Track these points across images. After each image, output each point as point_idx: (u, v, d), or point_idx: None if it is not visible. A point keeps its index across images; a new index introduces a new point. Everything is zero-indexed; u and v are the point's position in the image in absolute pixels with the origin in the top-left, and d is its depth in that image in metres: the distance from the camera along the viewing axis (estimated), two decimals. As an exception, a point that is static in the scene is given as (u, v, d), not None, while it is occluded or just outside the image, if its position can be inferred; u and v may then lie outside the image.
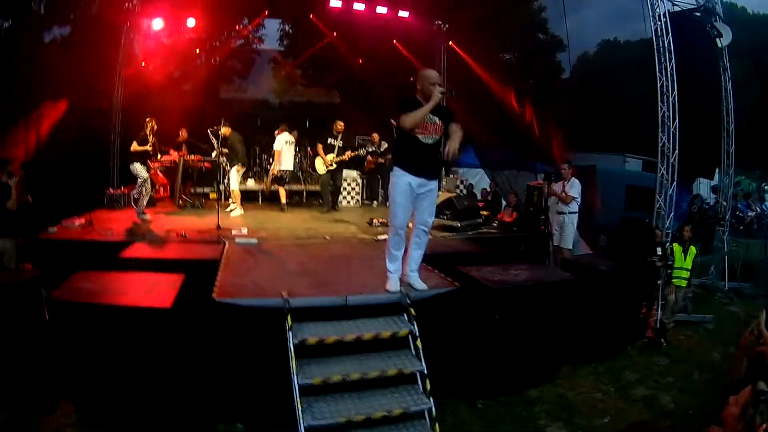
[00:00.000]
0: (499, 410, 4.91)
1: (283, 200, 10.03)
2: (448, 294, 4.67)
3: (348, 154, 9.66)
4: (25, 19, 9.88)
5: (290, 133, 10.06)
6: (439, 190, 8.98)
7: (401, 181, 4.50)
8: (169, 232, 7.14)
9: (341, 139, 9.66)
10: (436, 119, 4.50)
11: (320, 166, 9.77)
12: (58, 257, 6.32)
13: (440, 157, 4.65)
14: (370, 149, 10.89)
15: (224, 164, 8.94)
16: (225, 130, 8.69)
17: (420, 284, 4.66)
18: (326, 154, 9.59)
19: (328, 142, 9.66)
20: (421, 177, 4.50)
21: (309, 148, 11.85)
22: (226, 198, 9.30)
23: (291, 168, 10.17)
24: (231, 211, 8.96)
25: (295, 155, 10.73)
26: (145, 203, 8.50)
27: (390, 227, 4.72)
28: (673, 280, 7.21)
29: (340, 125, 9.68)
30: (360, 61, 12.77)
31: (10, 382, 4.37)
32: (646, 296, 6.87)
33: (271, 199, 10.73)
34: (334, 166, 9.67)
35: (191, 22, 11.53)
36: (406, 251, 4.74)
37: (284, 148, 9.86)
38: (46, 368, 4.44)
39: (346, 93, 13.43)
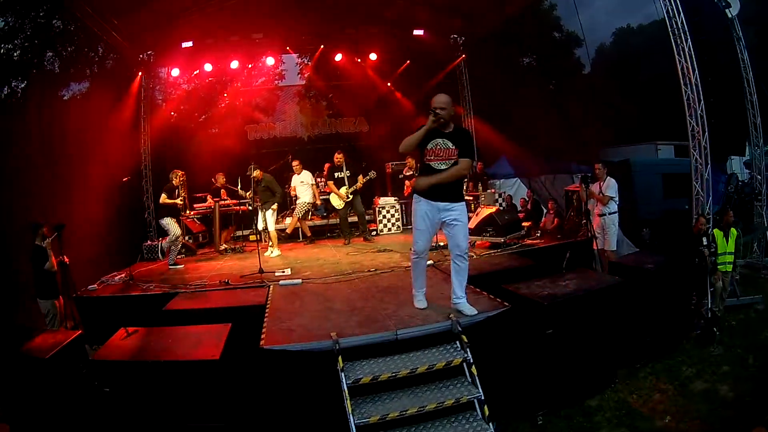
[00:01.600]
0: (560, 424, 4.82)
1: (308, 233, 10.31)
2: (499, 315, 4.56)
3: (360, 180, 9.55)
4: (40, 78, 10.09)
5: (304, 171, 10.04)
6: (471, 211, 8.98)
7: (419, 207, 4.58)
8: (212, 279, 7.12)
9: (347, 169, 9.59)
10: (450, 144, 4.48)
11: (337, 202, 9.74)
12: (101, 314, 6.43)
13: (458, 183, 4.68)
14: (407, 173, 10.78)
15: (258, 206, 8.90)
16: (256, 173, 8.66)
17: (470, 309, 4.59)
18: (339, 188, 9.55)
19: (336, 176, 9.63)
20: (439, 201, 4.52)
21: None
22: (264, 240, 9.27)
23: (308, 200, 10.07)
24: (270, 253, 8.88)
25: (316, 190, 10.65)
26: (176, 254, 8.54)
27: (412, 252, 4.78)
28: (719, 267, 7.01)
29: (338, 157, 9.61)
30: (389, 84, 12.76)
31: None
32: (695, 287, 6.67)
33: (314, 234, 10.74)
34: (350, 197, 9.63)
35: (208, 67, 11.67)
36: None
37: (298, 187, 9.95)
38: (95, 424, 4.38)
39: (374, 120, 13.36)
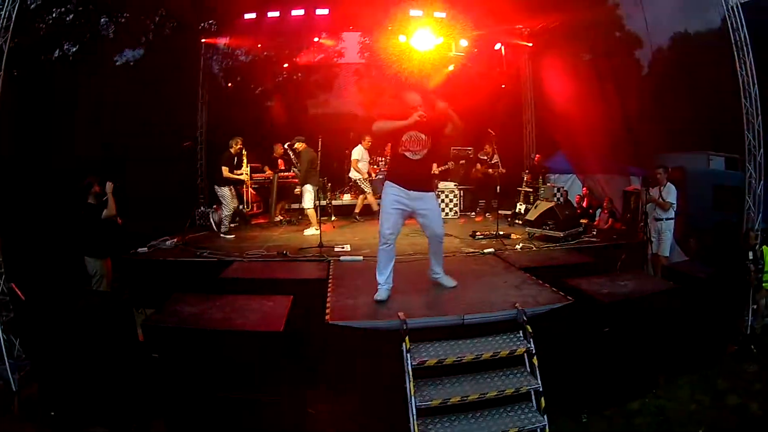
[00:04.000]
0: (602, 425, 4.83)
1: (356, 209, 10.17)
2: (560, 309, 4.57)
3: (435, 169, 9.47)
4: (93, 43, 10.14)
5: (364, 146, 10.03)
6: (530, 203, 8.90)
7: (390, 191, 4.69)
8: (268, 250, 7.14)
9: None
10: (422, 135, 4.63)
11: None
12: (150, 278, 6.47)
13: (429, 171, 4.92)
14: (481, 157, 10.79)
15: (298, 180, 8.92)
16: (298, 145, 8.71)
17: (449, 282, 4.98)
18: None
19: None
20: (412, 190, 4.64)
21: None
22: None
23: (359, 176, 10.04)
24: (308, 230, 8.73)
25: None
26: (228, 224, 8.55)
27: (380, 237, 4.78)
28: (764, 284, 6.93)
29: None
30: (451, 67, 12.54)
31: (104, 402, 4.48)
32: (738, 302, 6.63)
33: (368, 214, 10.47)
34: None
35: (268, 40, 11.66)
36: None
37: (362, 163, 9.96)
38: (139, 389, 4.53)
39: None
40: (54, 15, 10.72)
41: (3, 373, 5.11)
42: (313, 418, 4.58)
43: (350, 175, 10.07)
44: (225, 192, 8.43)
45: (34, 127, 8.12)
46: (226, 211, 8.48)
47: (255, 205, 10.57)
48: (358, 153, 9.93)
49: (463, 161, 11.06)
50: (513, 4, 10.26)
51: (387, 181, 4.78)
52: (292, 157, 9.73)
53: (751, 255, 6.71)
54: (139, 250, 7.06)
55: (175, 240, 7.60)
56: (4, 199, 5.58)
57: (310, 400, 4.65)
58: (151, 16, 10.86)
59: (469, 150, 11.47)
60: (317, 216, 8.34)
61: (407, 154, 4.62)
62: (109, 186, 6.49)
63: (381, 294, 4.71)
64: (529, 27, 11.87)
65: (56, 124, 8.45)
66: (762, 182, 7.28)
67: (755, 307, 6.75)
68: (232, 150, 8.59)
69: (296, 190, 9.51)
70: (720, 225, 7.41)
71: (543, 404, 4.00)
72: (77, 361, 4.48)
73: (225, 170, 8.42)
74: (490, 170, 10.75)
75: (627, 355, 4.99)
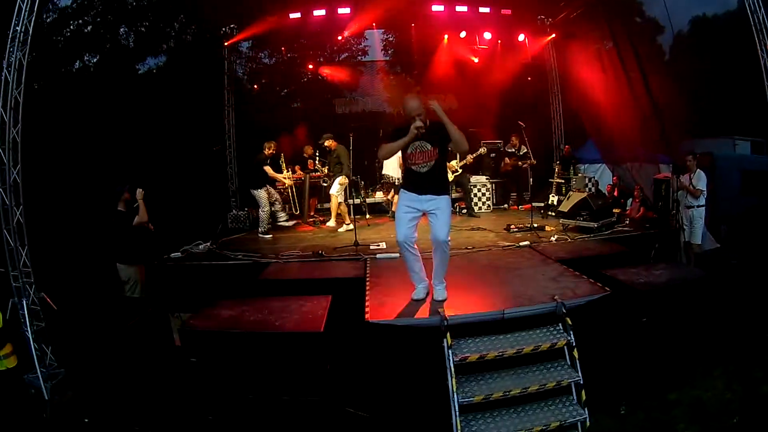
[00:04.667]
0: (640, 416, 4.79)
1: (393, 207, 9.98)
2: (600, 300, 4.57)
3: (469, 157, 9.51)
4: (114, 53, 10.27)
5: None
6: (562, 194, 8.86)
7: (403, 198, 4.61)
8: (303, 251, 7.15)
9: None
10: (428, 146, 4.45)
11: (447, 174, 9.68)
12: (185, 282, 6.49)
13: (442, 179, 4.66)
14: (509, 150, 10.86)
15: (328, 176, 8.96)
16: (328, 143, 8.71)
17: (440, 295, 4.67)
18: (449, 161, 9.39)
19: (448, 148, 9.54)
20: (422, 194, 4.50)
21: None
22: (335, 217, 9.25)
23: (392, 174, 9.85)
24: (337, 228, 8.80)
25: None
26: (266, 224, 8.68)
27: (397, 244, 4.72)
28: (797, 271, 6.84)
29: None
30: (476, 60, 12.61)
31: (141, 407, 4.55)
32: (770, 290, 6.56)
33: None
34: (460, 171, 9.59)
35: (291, 42, 11.76)
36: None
37: (391, 161, 9.70)
38: (175, 391, 4.57)
39: (463, 97, 12.98)
40: (72, 27, 10.89)
41: (35, 381, 5.18)
42: (352, 416, 4.61)
43: (384, 172, 9.95)
44: (261, 194, 8.58)
45: (62, 137, 8.24)
46: (263, 212, 8.59)
47: (287, 206, 10.56)
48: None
49: (494, 154, 11.03)
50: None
51: (401, 189, 4.72)
52: (319, 157, 9.81)
53: (784, 241, 6.64)
54: (173, 255, 7.10)
55: (208, 244, 7.65)
56: (33, 209, 5.68)
57: (349, 399, 4.68)
58: (171, 23, 10.97)
59: (499, 143, 11.46)
60: (349, 215, 8.42)
61: (414, 168, 4.50)
62: (139, 193, 6.55)
63: (419, 293, 4.70)
64: (550, 17, 11.81)
65: (83, 134, 8.57)
66: (789, 166, 7.19)
67: (788, 293, 6.65)
68: (266, 152, 8.69)
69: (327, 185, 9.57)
70: (750, 210, 7.32)
71: (584, 397, 4.01)
72: (114, 367, 4.57)
73: (268, 169, 8.64)
74: (519, 162, 10.74)
75: (664, 345, 4.95)
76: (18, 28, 5.30)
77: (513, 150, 10.85)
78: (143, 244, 6.69)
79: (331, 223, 9.02)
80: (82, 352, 5.05)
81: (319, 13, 10.53)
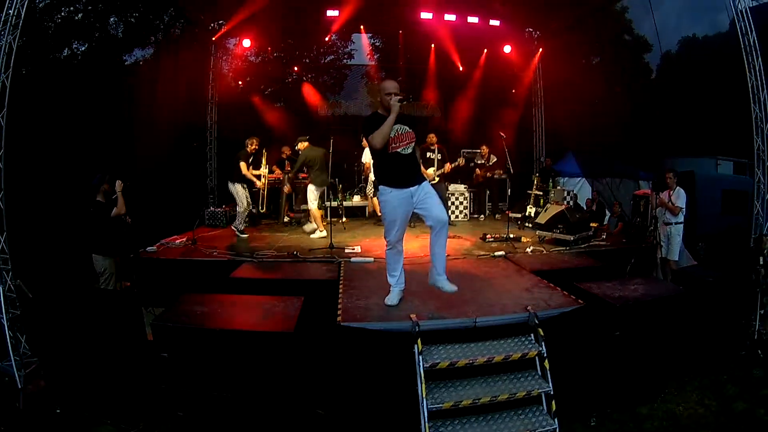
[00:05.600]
0: (611, 428, 4.82)
1: (378, 212, 10.04)
2: (573, 312, 4.58)
3: (447, 166, 9.43)
4: (102, 43, 10.17)
5: None
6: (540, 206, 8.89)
7: (390, 197, 4.47)
8: (278, 251, 7.13)
9: (438, 152, 9.52)
10: (406, 128, 4.48)
11: None
12: (160, 276, 6.46)
13: (418, 162, 4.65)
14: (478, 162, 10.86)
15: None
16: (301, 145, 8.53)
17: (449, 287, 4.61)
18: (427, 168, 9.35)
19: (427, 156, 9.48)
20: (410, 186, 4.45)
21: None
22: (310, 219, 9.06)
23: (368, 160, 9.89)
24: (311, 232, 8.53)
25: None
26: (243, 222, 8.58)
27: (386, 243, 4.67)
28: (773, 288, 6.91)
29: (433, 138, 9.51)
30: (461, 68, 12.70)
31: (112, 400, 4.51)
32: (746, 307, 6.63)
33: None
34: (437, 179, 9.52)
35: (278, 41, 11.90)
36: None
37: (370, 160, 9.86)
38: (146, 386, 4.54)
39: (446, 105, 13.27)
40: (63, 14, 10.75)
41: (8, 369, 5.11)
42: (323, 418, 4.56)
43: (363, 160, 9.96)
44: (238, 188, 8.42)
45: (43, 124, 8.13)
46: (240, 208, 8.49)
47: (265, 205, 10.53)
48: (366, 155, 9.90)
49: (472, 164, 11.04)
50: (522, 8, 10.28)
51: (381, 186, 4.56)
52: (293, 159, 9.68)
53: (761, 260, 6.69)
54: (148, 248, 7.04)
55: (185, 239, 7.59)
56: (11, 196, 5.58)
57: (319, 401, 4.64)
58: (161, 15, 10.89)
59: (478, 151, 11.50)
60: (325, 217, 8.35)
61: (399, 150, 4.43)
62: (118, 185, 6.45)
63: (392, 298, 4.67)
64: (538, 31, 11.88)
65: (65, 123, 8.46)
66: (771, 187, 7.25)
67: (762, 312, 6.72)
68: (248, 149, 8.58)
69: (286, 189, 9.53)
70: (729, 229, 7.41)
71: (554, 407, 3.99)
72: (86, 358, 4.50)
73: (243, 166, 8.42)
74: (489, 174, 10.76)
75: (637, 359, 4.99)
76: (10, 11, 5.24)
77: (482, 161, 10.89)
78: (120, 236, 6.59)
79: (318, 233, 8.54)
80: (54, 342, 4.95)
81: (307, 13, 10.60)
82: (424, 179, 4.58)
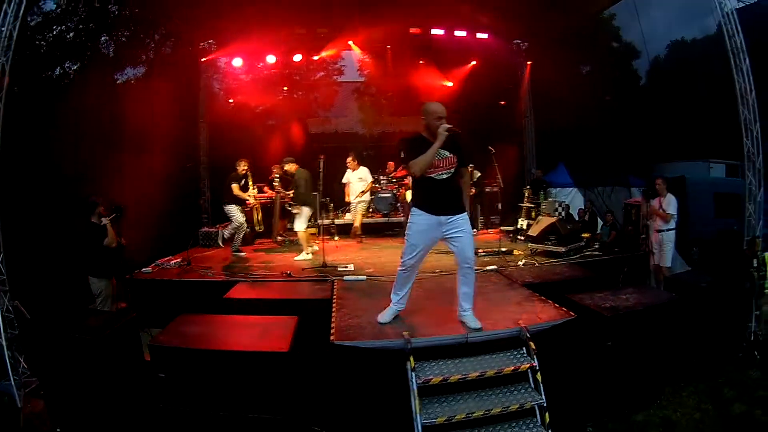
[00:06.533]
0: (607, 437, 4.82)
1: (355, 229, 10.16)
2: (563, 325, 4.60)
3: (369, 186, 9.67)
4: (94, 62, 10.20)
5: (355, 167, 10.04)
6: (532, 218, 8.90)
7: (419, 220, 4.38)
8: (271, 270, 7.16)
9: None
10: (447, 153, 4.34)
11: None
12: (156, 297, 6.50)
13: (459, 189, 4.49)
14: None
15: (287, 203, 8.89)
16: (288, 167, 8.50)
17: (475, 323, 4.46)
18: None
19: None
20: (442, 215, 4.33)
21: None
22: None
23: (351, 200, 10.11)
24: (299, 255, 8.36)
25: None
26: (240, 241, 8.59)
27: (401, 264, 4.56)
28: (766, 291, 6.93)
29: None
30: (451, 84, 12.68)
31: (111, 421, 4.49)
32: (742, 309, 6.65)
33: (371, 232, 10.73)
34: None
35: (271, 59, 11.76)
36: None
37: (355, 184, 9.98)
38: (144, 406, 4.52)
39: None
40: (54, 32, 10.78)
41: (8, 389, 5.14)
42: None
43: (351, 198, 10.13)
44: (232, 208, 8.46)
45: (37, 144, 8.16)
46: (235, 224, 8.51)
47: (258, 226, 10.50)
48: (346, 176, 10.09)
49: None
50: (510, 21, 10.33)
51: (413, 207, 4.46)
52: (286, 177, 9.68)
53: (755, 262, 6.73)
54: (144, 270, 7.09)
55: (179, 259, 7.62)
56: (8, 217, 5.61)
57: (316, 418, 4.66)
58: (152, 35, 10.95)
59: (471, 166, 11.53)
60: (318, 235, 8.34)
61: (433, 175, 4.29)
62: (105, 219, 6.49)
63: (386, 316, 4.62)
64: (527, 42, 11.93)
65: (59, 142, 8.48)
66: (762, 189, 7.29)
67: (758, 313, 6.75)
68: (238, 170, 8.62)
69: (293, 210, 9.54)
70: (722, 233, 7.44)
71: (548, 419, 4.01)
72: (84, 380, 4.51)
73: (235, 187, 8.43)
74: (473, 189, 10.74)
75: (631, 367, 5.01)
76: (2, 29, 5.31)
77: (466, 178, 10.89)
78: (115, 257, 6.62)
79: (304, 255, 8.34)
80: (53, 362, 4.97)
81: (297, 31, 10.76)
82: (463, 210, 4.45)
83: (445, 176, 4.34)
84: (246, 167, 8.71)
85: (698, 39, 18.70)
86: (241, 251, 8.48)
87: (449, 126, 4.20)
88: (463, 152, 4.44)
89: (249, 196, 8.79)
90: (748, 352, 6.33)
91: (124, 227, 6.74)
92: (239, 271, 7.22)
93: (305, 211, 8.32)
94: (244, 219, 8.67)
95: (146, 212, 8.02)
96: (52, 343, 4.78)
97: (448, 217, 4.33)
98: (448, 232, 4.35)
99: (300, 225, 8.28)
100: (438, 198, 4.34)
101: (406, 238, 4.52)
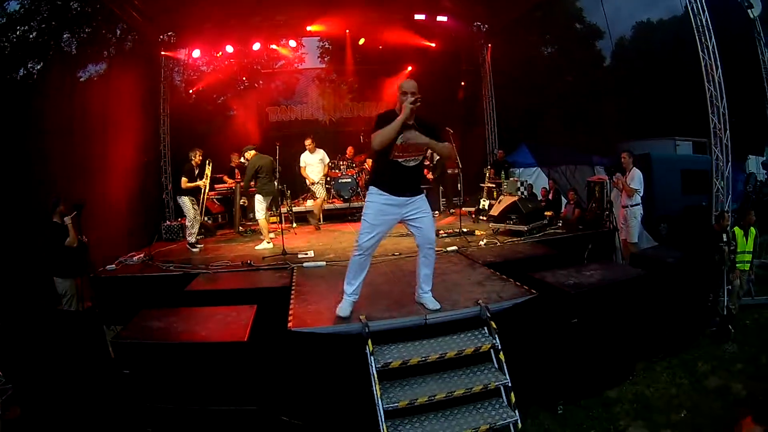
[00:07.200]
0: (579, 414, 4.84)
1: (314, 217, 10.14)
2: (525, 303, 4.56)
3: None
4: (57, 61, 10.03)
5: (313, 149, 9.94)
6: (494, 198, 8.87)
7: (378, 199, 4.22)
8: (233, 261, 7.11)
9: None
10: (420, 140, 4.14)
11: None
12: (120, 294, 6.43)
13: (421, 175, 4.38)
14: (424, 162, 10.82)
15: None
16: (248, 155, 8.35)
17: (434, 304, 4.41)
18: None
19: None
20: (401, 196, 4.20)
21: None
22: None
23: (315, 180, 9.99)
24: (260, 245, 8.25)
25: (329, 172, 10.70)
26: (194, 236, 8.43)
27: (355, 246, 4.39)
28: (737, 265, 6.97)
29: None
30: (409, 68, 12.68)
31: (84, 421, 4.41)
32: (712, 284, 6.67)
33: (331, 218, 10.75)
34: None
35: (229, 49, 11.73)
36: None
37: (314, 166, 9.88)
38: (111, 404, 4.44)
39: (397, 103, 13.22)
40: (18, 33, 10.58)
41: (-16, 398, 5.03)
42: (287, 424, 4.52)
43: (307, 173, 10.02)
44: (185, 201, 8.29)
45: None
46: (188, 222, 8.35)
47: (220, 216, 10.53)
48: (302, 159, 9.95)
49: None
50: (469, 3, 10.28)
51: (372, 187, 4.28)
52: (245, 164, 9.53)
53: (725, 237, 6.75)
54: (108, 267, 6.99)
55: (142, 255, 7.52)
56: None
57: (283, 408, 4.60)
58: (113, 29, 10.78)
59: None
60: (279, 224, 8.30)
61: (401, 160, 4.13)
62: (67, 219, 6.40)
63: (344, 309, 4.38)
64: (487, 25, 11.91)
65: (23, 142, 8.33)
66: (729, 164, 7.33)
67: (729, 287, 6.79)
68: (192, 162, 8.43)
69: (242, 200, 9.49)
70: (688, 210, 7.47)
71: (513, 399, 3.97)
72: (54, 382, 4.43)
73: (184, 181, 8.25)
74: (431, 174, 10.77)
75: (600, 344, 4.98)
76: None
77: (427, 162, 10.89)
78: (79, 257, 6.55)
79: (264, 244, 8.21)
80: (24, 367, 4.86)
81: (255, 19, 10.64)
82: (421, 192, 4.35)
83: (412, 164, 4.20)
84: (200, 157, 8.53)
85: (665, 20, 18.91)
86: (196, 246, 8.29)
87: (414, 98, 3.97)
88: (437, 131, 4.29)
89: (198, 184, 8.56)
90: (721, 326, 6.34)
91: (88, 225, 6.63)
92: (200, 263, 7.13)
93: (258, 199, 8.20)
94: (196, 213, 8.47)
95: (111, 209, 7.96)
96: (21, 348, 4.67)
97: (408, 198, 4.22)
98: (408, 214, 4.25)
99: (259, 213, 8.20)
100: (401, 181, 4.20)
101: (363, 218, 4.32)
